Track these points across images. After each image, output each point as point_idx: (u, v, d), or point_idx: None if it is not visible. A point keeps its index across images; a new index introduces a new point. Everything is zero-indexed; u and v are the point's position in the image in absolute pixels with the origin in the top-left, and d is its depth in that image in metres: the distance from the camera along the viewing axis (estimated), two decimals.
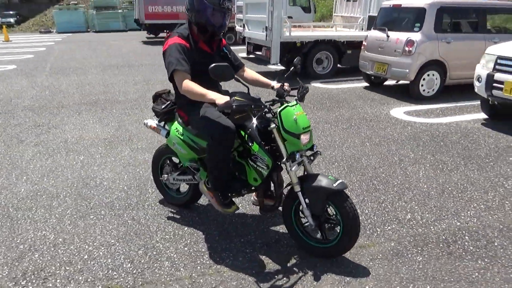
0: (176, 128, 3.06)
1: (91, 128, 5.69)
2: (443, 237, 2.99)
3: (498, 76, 5.28)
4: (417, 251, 2.82)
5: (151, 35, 19.99)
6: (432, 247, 2.87)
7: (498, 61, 5.37)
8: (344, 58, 9.28)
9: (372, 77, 8.22)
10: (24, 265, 2.70)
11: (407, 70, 6.97)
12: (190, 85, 2.60)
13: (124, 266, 2.69)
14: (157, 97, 3.28)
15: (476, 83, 5.70)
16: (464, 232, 3.05)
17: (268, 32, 8.55)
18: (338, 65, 9.42)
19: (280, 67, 10.53)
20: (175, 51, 2.68)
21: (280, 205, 2.86)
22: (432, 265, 2.66)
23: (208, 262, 2.73)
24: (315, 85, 8.59)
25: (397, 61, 7.12)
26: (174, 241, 2.97)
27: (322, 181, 2.55)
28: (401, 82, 7.97)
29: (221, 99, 2.47)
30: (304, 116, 2.62)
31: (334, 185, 2.52)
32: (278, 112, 2.57)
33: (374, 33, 7.82)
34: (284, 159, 2.58)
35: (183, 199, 3.40)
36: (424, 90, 7.13)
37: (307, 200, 2.61)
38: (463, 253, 2.79)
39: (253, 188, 2.85)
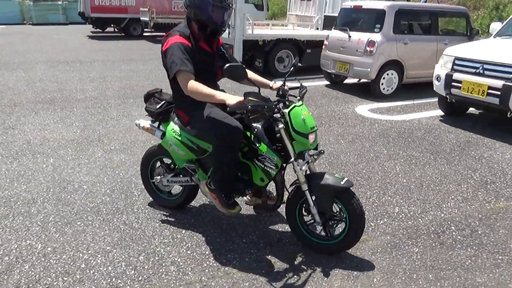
0: (173, 129, 2.97)
1: (54, 128, 5.34)
2: (432, 228, 3.17)
3: (456, 75, 5.67)
4: (412, 243, 2.97)
5: (97, 30, 19.07)
6: (424, 238, 3.03)
7: (456, 61, 5.76)
8: (304, 56, 9.46)
9: (333, 76, 8.46)
10: (15, 278, 2.50)
11: (369, 70, 7.27)
12: (196, 86, 2.54)
13: (128, 273, 2.58)
14: (149, 97, 3.16)
15: (436, 82, 6.07)
16: (449, 222, 3.25)
17: (231, 29, 8.50)
18: (299, 63, 9.56)
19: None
20: (178, 50, 2.60)
21: (281, 204, 2.89)
22: (428, 255, 2.82)
23: (215, 264, 2.68)
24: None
25: (359, 60, 7.39)
26: (175, 245, 2.89)
27: (330, 179, 2.60)
28: (362, 80, 8.28)
29: (231, 99, 2.44)
30: (310, 116, 2.66)
31: (342, 182, 2.58)
32: (287, 112, 2.58)
33: (336, 33, 8.05)
34: (292, 159, 2.60)
35: (176, 201, 3.31)
36: (384, 89, 7.48)
37: (314, 198, 2.65)
38: (453, 243, 2.98)
39: (256, 188, 2.84)
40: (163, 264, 2.67)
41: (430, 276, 2.60)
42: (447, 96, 5.93)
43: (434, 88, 6.16)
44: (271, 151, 2.62)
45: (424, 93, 7.64)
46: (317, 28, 11.20)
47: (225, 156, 2.65)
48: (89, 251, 2.78)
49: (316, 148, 2.75)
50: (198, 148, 2.89)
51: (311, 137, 2.62)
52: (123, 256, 2.73)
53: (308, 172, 2.77)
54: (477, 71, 5.43)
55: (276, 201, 2.89)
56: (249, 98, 2.45)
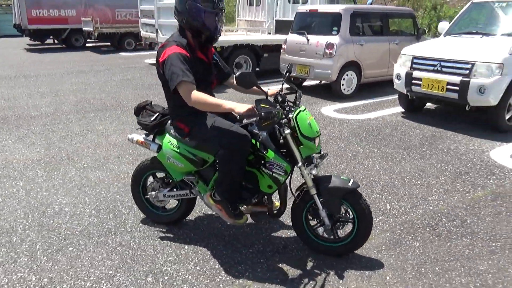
0: (170, 141, 2.86)
1: (14, 149, 4.95)
2: (426, 222, 3.31)
3: (416, 74, 5.98)
4: (411, 238, 3.08)
5: (36, 42, 17.98)
6: (422, 232, 3.16)
7: (414, 60, 6.08)
8: (261, 61, 9.54)
9: (292, 79, 8.60)
10: None
11: (329, 71, 7.47)
12: (201, 96, 2.48)
13: None
14: (140, 110, 3.02)
15: (396, 81, 6.36)
16: (439, 215, 3.41)
17: None
18: (257, 68, 9.65)
19: None
20: (177, 61, 2.52)
21: (285, 210, 2.88)
22: (429, 249, 2.93)
23: (228, 278, 2.61)
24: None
25: (319, 63, 7.58)
26: (181, 261, 2.78)
27: (337, 182, 2.64)
28: (323, 82, 8.48)
29: (239, 107, 2.41)
30: (314, 120, 2.68)
31: (349, 184, 2.62)
32: (293, 118, 2.58)
33: (293, 37, 8.19)
34: (300, 164, 2.60)
35: (173, 216, 3.19)
36: (345, 89, 7.72)
37: (322, 201, 2.67)
38: (449, 234, 3.13)
39: (263, 195, 2.81)
40: (175, 284, 2.55)
41: (437, 268, 2.71)
42: (408, 94, 6.24)
43: (395, 86, 6.45)
44: (280, 157, 2.60)
45: (381, 91, 7.99)
46: (269, 33, 11.35)
47: (233, 165, 2.59)
48: (91, 278, 2.60)
49: (319, 152, 2.77)
50: (198, 159, 2.81)
51: (317, 141, 2.64)
52: (130, 279, 2.58)
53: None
54: (435, 68, 5.77)
55: (280, 206, 2.88)
56: (261, 105, 2.42)
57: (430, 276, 2.63)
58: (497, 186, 3.93)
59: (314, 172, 2.62)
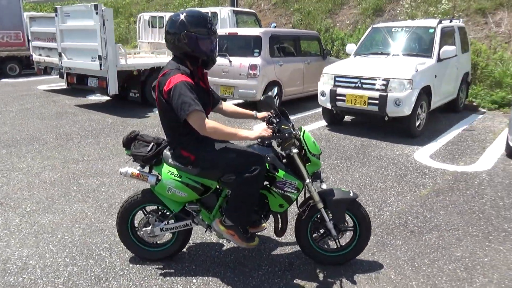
0: (169, 171, 2.75)
1: None
2: (396, 221, 3.68)
3: (339, 90, 6.58)
4: (393, 237, 3.41)
5: None
6: (398, 231, 3.51)
7: (337, 78, 6.69)
8: None
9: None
10: None
11: (254, 91, 7.76)
12: (215, 125, 2.51)
13: None
14: (131, 141, 2.83)
15: (321, 97, 6.90)
16: (403, 214, 3.83)
17: (103, 61, 7.91)
18: None
19: (101, 98, 9.88)
20: (186, 90, 2.48)
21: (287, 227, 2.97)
22: (411, 244, 3.29)
23: None
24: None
25: (243, 83, 7.82)
26: None
27: (340, 194, 2.83)
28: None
29: (255, 133, 2.52)
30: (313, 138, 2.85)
31: (351, 195, 2.83)
32: (302, 137, 2.71)
33: None
34: (308, 180, 2.73)
35: (169, 250, 3.02)
36: None
37: (328, 213, 2.83)
38: (419, 229, 3.54)
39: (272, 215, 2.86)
40: None
41: (426, 260, 3.06)
42: (333, 108, 6.81)
43: (320, 102, 6.99)
44: (291, 176, 2.70)
45: (301, 108, 8.54)
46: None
47: (251, 188, 2.61)
48: None
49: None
50: (202, 186, 2.75)
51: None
52: None
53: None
54: (356, 85, 6.43)
55: (283, 225, 2.95)
56: (282, 126, 2.52)
57: (424, 268, 2.96)
58: (433, 184, 4.55)
59: (324, 186, 2.77)
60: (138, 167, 2.86)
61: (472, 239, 3.37)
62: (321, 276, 2.88)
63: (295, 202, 2.81)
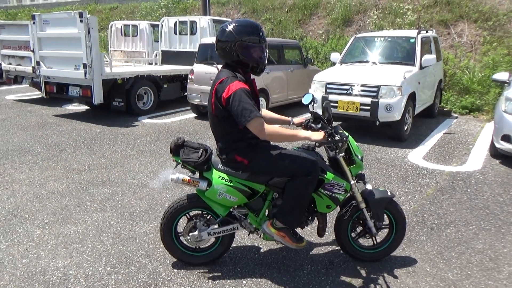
0: (220, 176, 2.81)
1: None
2: (415, 219, 3.91)
3: (331, 97, 6.83)
4: (416, 234, 3.63)
5: None
6: (419, 228, 3.75)
7: (328, 86, 6.94)
8: (162, 92, 9.37)
9: (201, 107, 8.71)
10: None
11: None
12: (275, 129, 2.62)
13: None
14: (179, 148, 2.85)
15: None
16: (419, 212, 4.07)
17: (88, 69, 7.74)
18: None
19: (79, 107, 9.64)
20: (245, 96, 2.57)
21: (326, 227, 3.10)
22: (435, 240, 3.53)
23: None
24: (146, 121, 8.36)
25: None
26: None
27: (380, 193, 3.00)
28: None
29: (315, 135, 2.62)
30: None
31: (389, 194, 3.01)
32: (348, 141, 2.86)
33: (200, 67, 8.35)
34: (353, 182, 2.88)
35: (213, 253, 3.06)
36: None
37: (370, 212, 2.99)
38: (437, 226, 3.79)
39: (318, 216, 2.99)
40: None
41: (453, 253, 3.29)
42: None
43: (310, 109, 7.18)
44: (339, 178, 2.84)
45: (288, 114, 8.72)
46: (154, 63, 11.23)
47: (306, 191, 2.71)
48: None
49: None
50: (253, 190, 2.84)
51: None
52: None
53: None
54: (348, 92, 6.71)
55: (323, 225, 3.07)
56: (339, 130, 2.65)
57: (453, 260, 3.19)
58: (435, 183, 4.85)
59: (369, 187, 2.93)
60: (189, 173, 2.88)
61: (486, 232, 3.65)
62: (363, 272, 3.03)
63: None
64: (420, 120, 8.25)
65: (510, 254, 3.28)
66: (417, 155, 5.99)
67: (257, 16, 16.47)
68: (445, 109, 9.47)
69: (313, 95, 3.25)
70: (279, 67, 8.85)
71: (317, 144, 2.70)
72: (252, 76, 2.88)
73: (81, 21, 7.62)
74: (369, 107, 6.50)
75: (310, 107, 3.16)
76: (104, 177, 4.98)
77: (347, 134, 2.86)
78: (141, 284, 2.86)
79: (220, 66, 7.95)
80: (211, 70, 8.10)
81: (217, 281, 2.90)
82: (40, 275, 2.94)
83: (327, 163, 2.97)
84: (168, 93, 9.52)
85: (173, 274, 2.98)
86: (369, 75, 6.84)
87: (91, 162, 5.58)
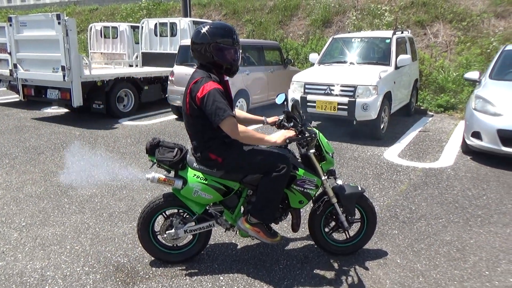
0: (195, 175, 2.88)
1: None
2: (388, 214, 4.05)
3: (310, 97, 6.96)
4: (389, 228, 3.76)
5: None
6: (391, 222, 3.88)
7: (306, 86, 7.07)
8: (142, 94, 9.37)
9: (182, 109, 8.72)
10: None
11: None
12: (247, 130, 2.72)
13: None
14: (154, 147, 2.91)
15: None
16: (392, 207, 4.21)
17: (67, 72, 7.69)
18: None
19: (58, 110, 9.56)
20: (219, 96, 2.65)
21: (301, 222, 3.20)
22: (406, 233, 3.66)
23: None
24: (127, 123, 8.35)
25: None
26: None
27: (351, 189, 3.11)
28: None
29: (281, 137, 2.75)
30: None
31: (359, 189, 3.13)
32: (318, 138, 2.96)
33: (181, 69, 8.38)
34: (325, 177, 2.99)
35: (190, 251, 3.13)
36: None
37: (341, 207, 3.10)
38: (409, 220, 3.92)
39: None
40: None
41: (423, 245, 3.43)
42: (303, 114, 7.15)
43: (286, 109, 7.29)
44: (310, 173, 2.94)
45: (265, 115, 8.81)
46: (135, 65, 11.22)
47: (278, 186, 2.80)
48: None
49: None
50: (227, 188, 2.91)
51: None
52: None
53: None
54: (326, 92, 6.84)
55: (297, 220, 3.17)
56: (308, 128, 2.75)
57: (423, 252, 3.32)
58: (409, 180, 5.01)
59: (339, 182, 3.04)
60: (165, 173, 2.94)
61: (455, 225, 3.80)
62: (336, 265, 3.13)
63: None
64: (397, 119, 8.45)
65: (476, 245, 3.43)
66: (392, 153, 6.15)
67: (238, 17, 16.55)
68: (421, 107, 9.72)
69: (286, 95, 3.34)
70: (259, 68, 8.95)
71: (287, 141, 2.79)
72: (226, 78, 2.96)
73: (59, 23, 7.58)
74: (346, 107, 6.64)
75: (284, 106, 3.25)
76: (83, 179, 4.98)
77: (316, 131, 2.96)
78: (119, 282, 2.90)
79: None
80: (191, 71, 8.09)
81: (195, 277, 2.96)
82: (17, 277, 2.96)
83: (299, 160, 3.07)
84: (149, 95, 9.52)
85: (151, 272, 3.03)
86: (346, 75, 6.98)
87: (69, 165, 5.57)
